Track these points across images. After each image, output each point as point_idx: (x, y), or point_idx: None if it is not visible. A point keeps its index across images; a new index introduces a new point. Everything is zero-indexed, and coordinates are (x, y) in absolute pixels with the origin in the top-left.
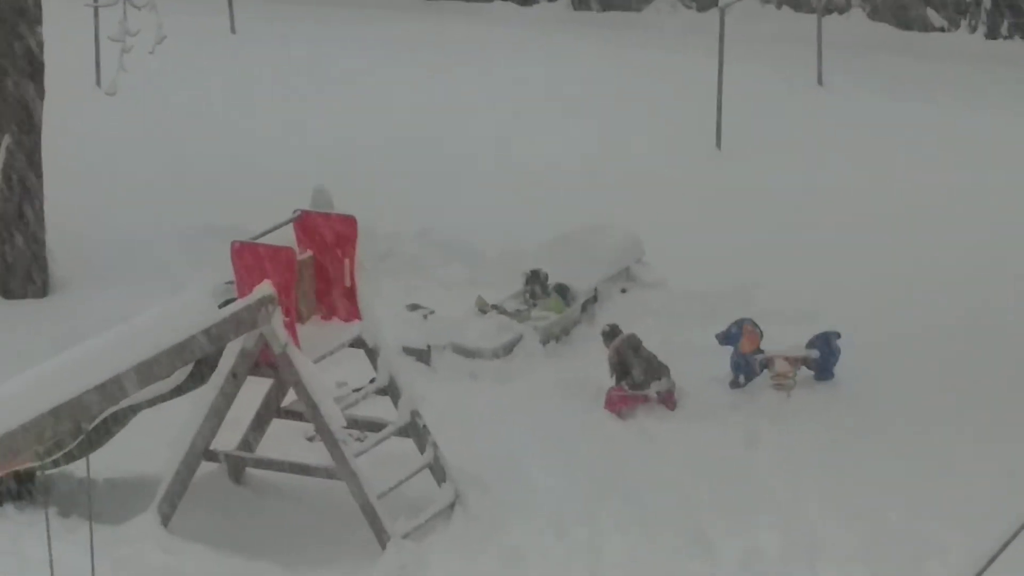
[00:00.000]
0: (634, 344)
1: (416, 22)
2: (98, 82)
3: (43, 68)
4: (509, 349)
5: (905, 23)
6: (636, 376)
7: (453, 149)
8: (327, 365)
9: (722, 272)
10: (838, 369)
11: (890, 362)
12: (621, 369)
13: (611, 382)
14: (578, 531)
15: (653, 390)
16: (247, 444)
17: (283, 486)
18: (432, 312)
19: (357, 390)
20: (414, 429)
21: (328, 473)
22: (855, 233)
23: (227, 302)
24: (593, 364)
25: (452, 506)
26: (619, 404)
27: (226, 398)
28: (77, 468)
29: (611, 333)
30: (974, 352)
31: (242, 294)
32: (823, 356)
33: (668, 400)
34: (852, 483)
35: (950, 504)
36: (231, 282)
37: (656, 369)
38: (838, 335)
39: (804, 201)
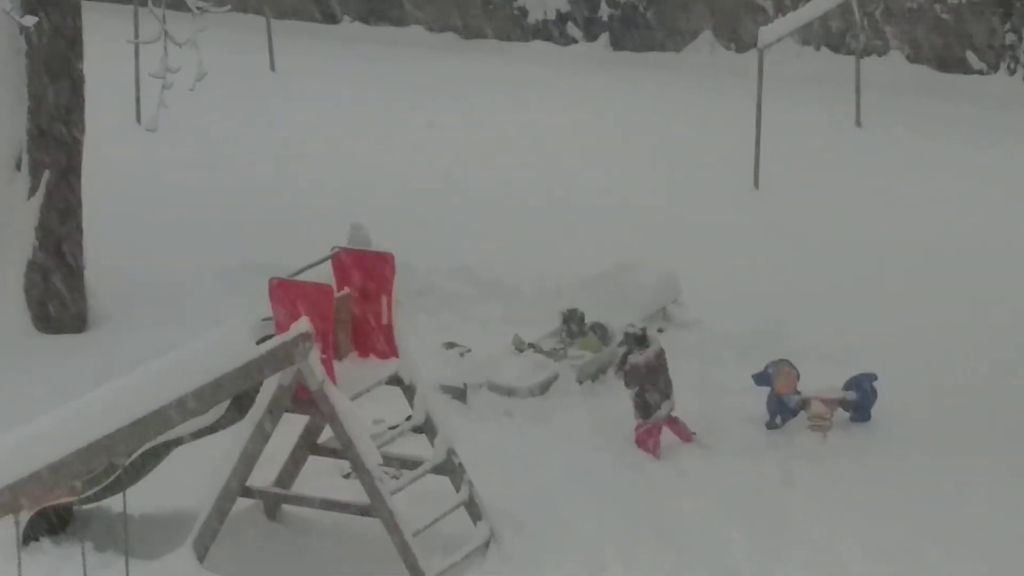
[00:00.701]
0: (663, 361)
1: (455, 61)
2: (138, 119)
3: (84, 104)
4: (545, 388)
5: (944, 65)
6: (651, 398)
7: (490, 187)
8: (364, 402)
9: (759, 312)
10: (875, 411)
11: (927, 404)
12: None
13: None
14: (613, 570)
15: (665, 411)
16: (283, 481)
17: (319, 523)
18: (469, 350)
19: (393, 427)
20: (450, 467)
21: (364, 510)
22: (893, 274)
23: (264, 338)
24: (630, 404)
25: (487, 545)
26: (648, 439)
27: (263, 434)
28: (113, 503)
29: (639, 339)
30: (1012, 396)
31: (279, 331)
32: (860, 398)
33: (674, 425)
34: (887, 524)
35: (985, 546)
36: (268, 318)
37: (668, 387)
38: (875, 377)
39: (841, 241)
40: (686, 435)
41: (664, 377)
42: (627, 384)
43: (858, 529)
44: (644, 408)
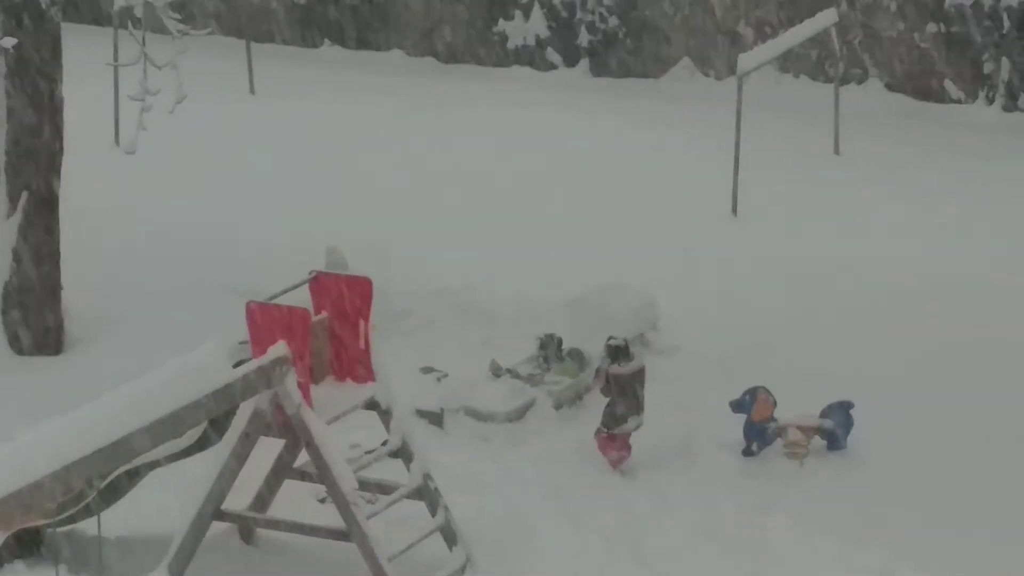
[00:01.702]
0: (642, 379)
1: (434, 86)
2: (117, 141)
3: (63, 126)
4: (522, 413)
5: (922, 94)
6: (619, 410)
7: (468, 211)
8: (340, 426)
9: (736, 339)
10: (851, 437)
11: (904, 431)
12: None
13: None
14: None
15: (632, 425)
16: (258, 504)
17: (294, 547)
18: (446, 375)
19: (370, 452)
20: (426, 492)
21: (339, 535)
22: (870, 302)
23: (241, 362)
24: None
25: (463, 569)
26: (611, 448)
27: (238, 458)
28: (88, 526)
29: (622, 350)
30: (989, 424)
31: (256, 354)
32: (837, 425)
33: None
34: (865, 550)
35: (963, 568)
36: (245, 342)
37: (638, 402)
38: (851, 405)
39: (819, 269)
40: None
41: (639, 393)
42: (605, 392)
43: (836, 554)
44: (612, 418)
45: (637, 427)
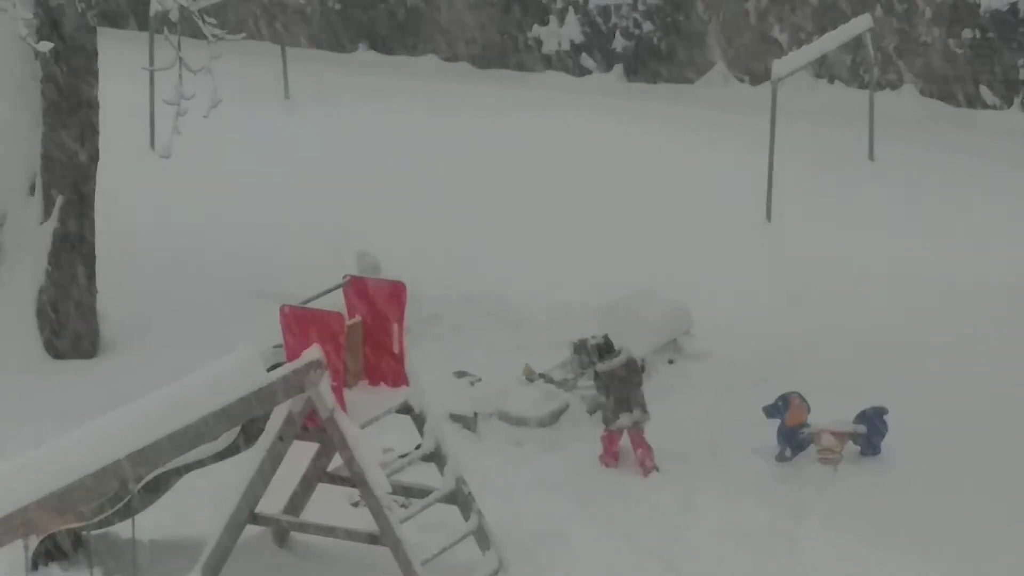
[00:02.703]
0: (633, 368)
1: (468, 90)
2: (152, 145)
3: (98, 130)
4: (555, 418)
5: (957, 100)
6: (609, 407)
7: (502, 215)
8: (373, 430)
9: (770, 344)
10: (885, 444)
11: (938, 438)
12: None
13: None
14: None
15: (624, 422)
16: (292, 508)
17: (327, 551)
18: (479, 379)
19: (403, 456)
20: (459, 496)
21: (372, 539)
22: (904, 307)
23: (275, 366)
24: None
25: (496, 574)
26: (608, 447)
27: (272, 462)
28: (122, 529)
29: (602, 350)
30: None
31: (290, 358)
32: (870, 431)
33: (635, 437)
34: (897, 557)
35: None
36: (279, 346)
37: (629, 399)
38: (886, 411)
39: (853, 274)
40: (646, 462)
41: (630, 389)
42: (598, 389)
43: (868, 561)
44: (605, 416)
45: (633, 424)
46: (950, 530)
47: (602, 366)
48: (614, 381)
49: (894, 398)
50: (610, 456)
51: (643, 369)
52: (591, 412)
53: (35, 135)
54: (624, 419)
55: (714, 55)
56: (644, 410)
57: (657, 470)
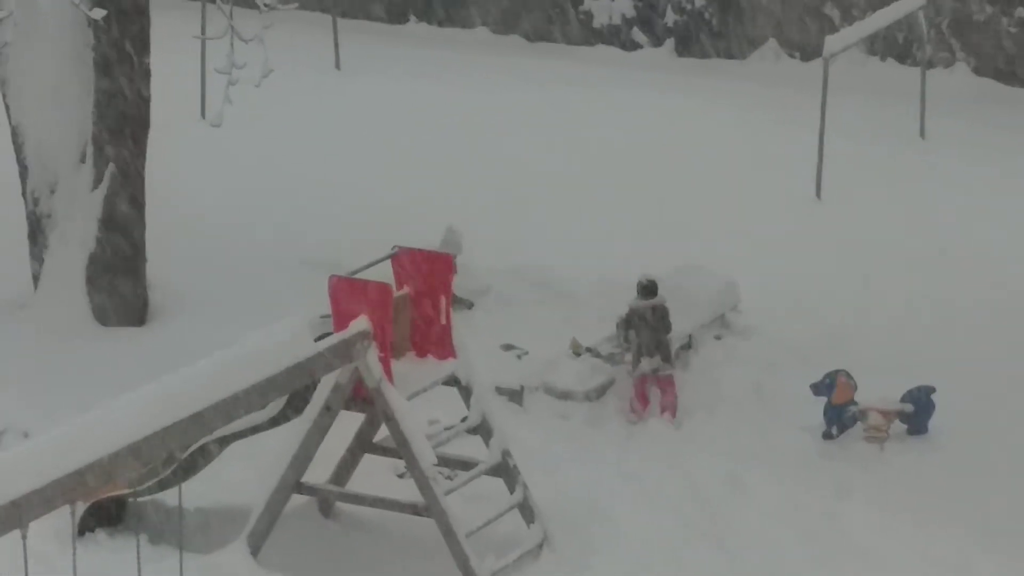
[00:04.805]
0: (661, 315)
1: (520, 64)
2: (203, 114)
3: (149, 98)
4: (602, 392)
5: (1010, 79)
6: (633, 348)
7: (550, 189)
8: (420, 402)
9: (817, 322)
10: (932, 423)
11: (985, 417)
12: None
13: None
14: (663, 574)
15: (646, 367)
16: (338, 478)
17: (372, 521)
18: (526, 352)
19: (449, 428)
20: (504, 469)
21: (417, 510)
22: (954, 287)
23: (323, 336)
24: (684, 411)
25: (540, 547)
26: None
27: (319, 431)
28: (169, 496)
29: (645, 290)
30: None
31: (338, 328)
32: (918, 410)
33: (663, 383)
34: (943, 536)
35: None
36: (327, 316)
37: (653, 345)
38: (933, 389)
39: (903, 253)
40: (665, 409)
41: (655, 335)
42: (617, 325)
43: (913, 540)
44: (633, 360)
45: (653, 370)
46: (997, 510)
47: (634, 302)
48: (639, 321)
49: (942, 377)
50: (638, 400)
51: (690, 346)
52: (622, 351)
53: (87, 102)
54: (645, 364)
55: (765, 31)
56: (667, 360)
57: (673, 418)
